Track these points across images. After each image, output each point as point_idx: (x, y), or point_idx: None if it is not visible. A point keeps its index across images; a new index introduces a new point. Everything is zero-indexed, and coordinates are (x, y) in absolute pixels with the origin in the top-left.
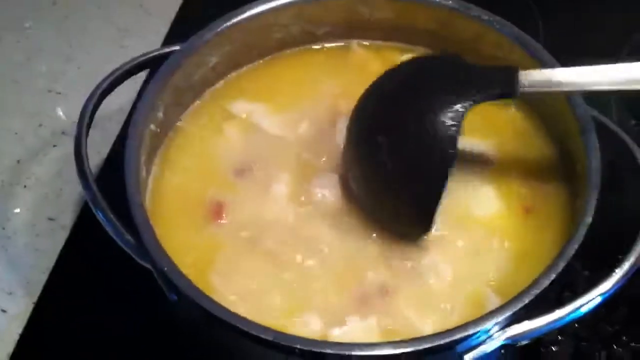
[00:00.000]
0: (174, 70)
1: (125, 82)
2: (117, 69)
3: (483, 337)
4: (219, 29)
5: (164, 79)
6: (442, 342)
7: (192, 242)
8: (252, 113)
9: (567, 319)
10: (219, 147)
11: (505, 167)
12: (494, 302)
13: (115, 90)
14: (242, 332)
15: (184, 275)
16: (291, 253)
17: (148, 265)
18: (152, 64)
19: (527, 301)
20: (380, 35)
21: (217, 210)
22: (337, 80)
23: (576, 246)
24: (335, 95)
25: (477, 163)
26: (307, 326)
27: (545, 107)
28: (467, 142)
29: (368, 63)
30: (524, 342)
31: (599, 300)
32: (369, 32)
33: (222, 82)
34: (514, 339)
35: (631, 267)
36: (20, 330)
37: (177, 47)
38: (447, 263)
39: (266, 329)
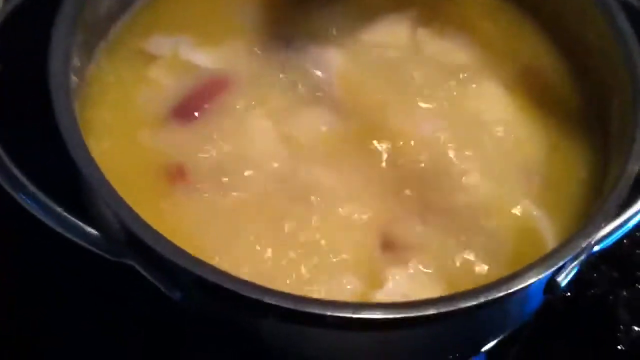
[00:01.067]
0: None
1: None
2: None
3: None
4: None
5: (73, 11)
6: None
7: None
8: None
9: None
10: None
11: None
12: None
13: None
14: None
15: (197, 260)
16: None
17: (128, 262)
18: None
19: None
20: None
21: (176, 172)
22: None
23: None
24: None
25: None
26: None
27: None
28: None
29: None
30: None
31: None
32: None
33: (128, 14)
34: (602, 244)
35: None
36: None
37: None
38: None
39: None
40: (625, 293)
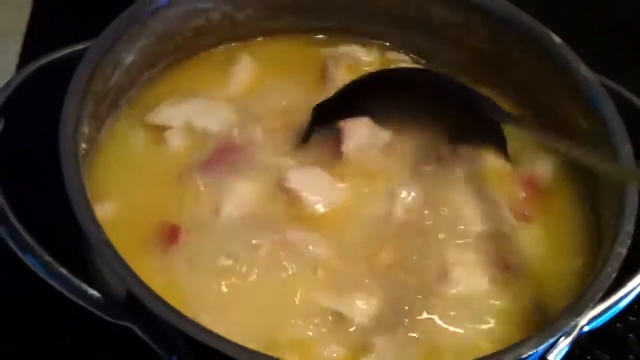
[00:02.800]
0: (93, 71)
1: None
2: (18, 74)
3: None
4: (135, 18)
5: (84, 83)
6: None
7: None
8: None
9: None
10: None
11: None
12: None
13: None
14: None
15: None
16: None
17: (126, 324)
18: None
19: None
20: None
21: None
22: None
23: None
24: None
25: None
26: None
27: None
28: None
29: None
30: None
31: None
32: None
33: (137, 87)
34: (593, 324)
35: None
36: None
37: (87, 44)
38: None
39: None
40: None
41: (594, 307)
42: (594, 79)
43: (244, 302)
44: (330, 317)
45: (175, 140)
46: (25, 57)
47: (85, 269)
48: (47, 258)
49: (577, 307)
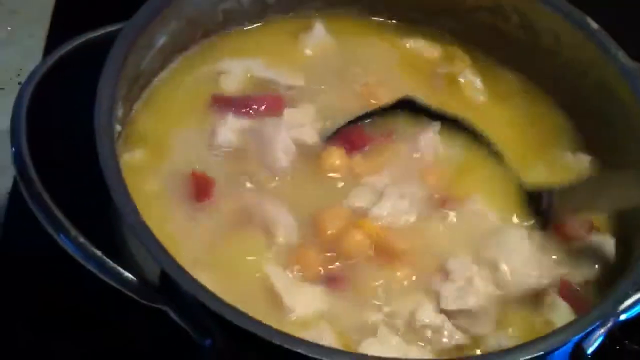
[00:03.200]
0: (127, 53)
1: None
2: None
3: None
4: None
5: (119, 65)
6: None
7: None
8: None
9: None
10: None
11: None
12: None
13: None
14: None
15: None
16: None
17: (161, 307)
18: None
19: None
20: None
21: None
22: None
23: None
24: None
25: None
26: None
27: None
28: None
29: None
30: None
31: None
32: None
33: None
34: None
35: None
36: None
37: (118, 27)
38: None
39: None
40: None
41: (630, 295)
42: (633, 66)
43: None
44: None
45: (228, 81)
46: (51, 42)
47: (118, 251)
48: (83, 240)
49: (612, 299)
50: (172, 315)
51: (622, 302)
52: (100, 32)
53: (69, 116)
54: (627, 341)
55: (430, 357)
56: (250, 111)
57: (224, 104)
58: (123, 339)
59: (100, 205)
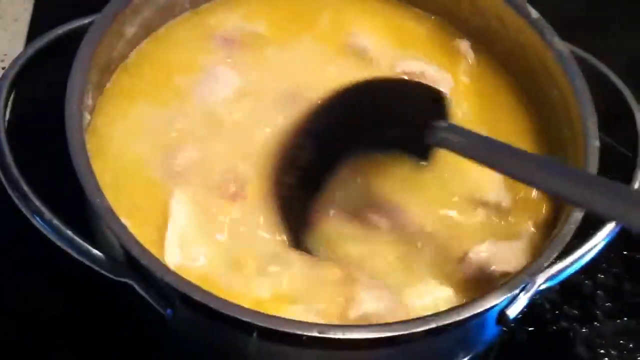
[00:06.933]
0: (96, 45)
1: None
2: (28, 48)
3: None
4: None
5: (88, 57)
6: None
7: None
8: None
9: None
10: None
11: None
12: None
13: None
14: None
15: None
16: None
17: (126, 280)
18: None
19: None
20: None
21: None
22: None
23: None
24: None
25: None
26: None
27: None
28: None
29: None
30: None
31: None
32: None
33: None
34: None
35: None
36: None
37: (89, 19)
38: None
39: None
40: (584, 330)
41: (552, 265)
42: (566, 50)
43: None
44: None
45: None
46: (33, 33)
47: (89, 231)
48: (56, 222)
49: (530, 268)
50: (137, 288)
51: (538, 272)
52: (75, 25)
53: (45, 105)
54: (566, 306)
55: None
56: None
57: None
58: (93, 313)
59: (76, 190)
